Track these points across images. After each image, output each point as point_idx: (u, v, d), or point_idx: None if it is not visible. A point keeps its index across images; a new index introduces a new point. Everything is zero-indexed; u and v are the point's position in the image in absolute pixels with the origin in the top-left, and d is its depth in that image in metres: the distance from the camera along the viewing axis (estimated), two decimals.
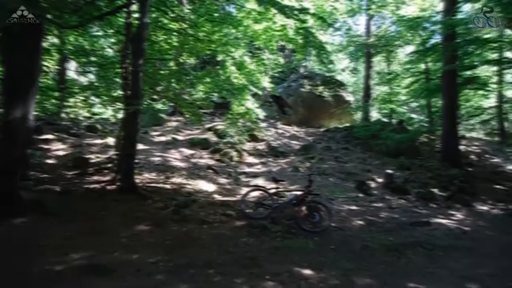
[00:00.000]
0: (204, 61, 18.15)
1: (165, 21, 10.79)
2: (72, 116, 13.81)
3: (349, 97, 25.27)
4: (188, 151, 14.37)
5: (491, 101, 24.13)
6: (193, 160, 13.48)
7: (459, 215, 11.00)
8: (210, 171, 12.39)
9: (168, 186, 10.30)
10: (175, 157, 13.43)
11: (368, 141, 18.24)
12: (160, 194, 9.50)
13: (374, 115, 26.62)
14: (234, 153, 14.38)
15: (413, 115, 27.48)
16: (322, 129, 21.71)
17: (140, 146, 12.19)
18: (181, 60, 11.94)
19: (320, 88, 23.18)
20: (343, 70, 34.92)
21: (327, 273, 6.12)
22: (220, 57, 11.81)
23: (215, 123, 17.58)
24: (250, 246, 7.15)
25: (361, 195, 11.84)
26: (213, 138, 15.99)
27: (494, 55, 20.80)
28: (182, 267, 5.87)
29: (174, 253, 6.42)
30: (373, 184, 12.96)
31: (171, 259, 6.14)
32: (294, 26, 10.51)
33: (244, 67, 11.75)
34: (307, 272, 6.10)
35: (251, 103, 12.25)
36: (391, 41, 24.06)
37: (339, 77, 30.68)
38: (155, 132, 16.37)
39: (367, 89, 25.66)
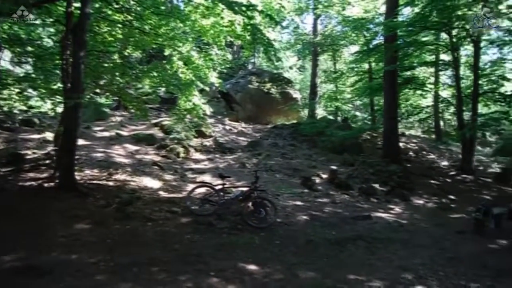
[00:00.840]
0: (151, 55, 17.73)
1: (109, 12, 10.40)
2: (6, 109, 12.98)
3: (296, 95, 25.72)
4: (132, 147, 13.99)
5: (428, 101, 25.50)
6: (138, 156, 13.15)
7: (397, 209, 11.55)
8: (156, 167, 12.14)
9: (111, 183, 9.98)
10: (119, 153, 13.02)
11: (314, 138, 18.67)
12: (102, 191, 9.17)
13: (320, 112, 27.29)
14: (180, 149, 14.19)
15: (357, 113, 28.53)
16: (269, 126, 21.95)
17: (81, 142, 11.72)
18: (126, 53, 11.59)
19: (268, 85, 23.42)
20: (291, 67, 35.47)
21: (272, 267, 6.22)
22: (167, 52, 11.58)
23: (161, 119, 17.25)
24: (195, 242, 7.11)
25: (306, 190, 12.10)
26: (159, 134, 15.68)
27: (431, 57, 21.99)
28: (124, 266, 5.72)
29: (116, 252, 6.24)
30: (318, 180, 13.28)
31: (113, 258, 5.97)
32: (242, 22, 10.52)
33: (192, 62, 11.60)
34: (252, 267, 6.16)
35: (198, 99, 12.13)
36: (337, 40, 24.73)
37: (286, 75, 31.13)
38: (98, 127, 15.78)
39: (314, 86, 26.22)
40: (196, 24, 10.67)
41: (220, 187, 9.05)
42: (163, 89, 14.39)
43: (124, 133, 15.39)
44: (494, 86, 19.12)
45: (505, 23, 18.09)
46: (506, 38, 18.36)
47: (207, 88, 13.46)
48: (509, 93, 19.03)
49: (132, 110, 14.35)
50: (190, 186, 9.76)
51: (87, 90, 11.17)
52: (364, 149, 18.38)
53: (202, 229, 7.78)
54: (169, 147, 14.16)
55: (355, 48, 24.63)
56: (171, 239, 7.14)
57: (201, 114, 12.79)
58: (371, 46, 20.69)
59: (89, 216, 7.68)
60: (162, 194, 9.83)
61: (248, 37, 11.06)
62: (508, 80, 19.85)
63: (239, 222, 8.38)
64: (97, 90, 13.19)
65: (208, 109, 13.06)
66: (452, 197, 13.53)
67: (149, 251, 6.43)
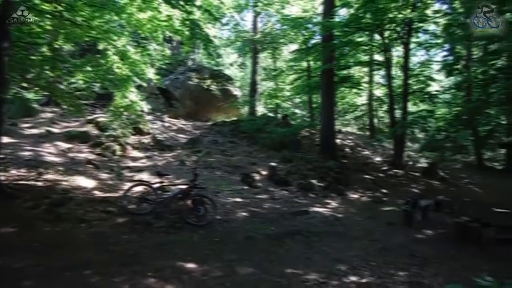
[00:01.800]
0: (84, 49, 16.91)
1: (36, 1, 9.75)
2: None
3: (237, 92, 25.73)
4: (65, 145, 13.27)
5: (363, 99, 26.62)
6: (71, 155, 12.50)
7: (334, 204, 11.94)
8: (90, 166, 11.62)
9: (40, 184, 9.38)
10: (49, 152, 12.29)
11: (254, 135, 18.81)
12: (30, 192, 8.60)
13: (260, 109, 27.54)
14: (117, 147, 13.69)
15: (297, 110, 29.10)
16: (209, 123, 21.79)
17: (6, 140, 10.92)
18: (56, 46, 10.93)
19: (208, 82, 23.21)
20: (231, 64, 35.44)
21: (210, 265, 6.18)
22: (101, 45, 11.08)
23: (96, 115, 16.50)
24: (132, 243, 6.90)
25: (246, 187, 12.16)
26: (94, 131, 14.99)
27: (365, 57, 22.96)
28: (55, 271, 5.43)
29: (45, 256, 5.91)
30: (257, 177, 13.39)
31: (42, 263, 5.64)
32: (180, 17, 10.30)
33: (128, 57, 11.16)
34: (191, 266, 6.10)
35: (135, 95, 11.73)
36: (277, 38, 25.09)
37: (227, 72, 31.06)
38: (26, 124, 14.78)
39: (254, 84, 26.42)
40: (133, 18, 10.28)
41: (158, 185, 8.87)
42: (98, 84, 13.75)
43: (56, 130, 14.55)
44: (422, 86, 20.36)
45: (432, 27, 19.31)
46: (433, 41, 19.63)
47: (144, 84, 13.03)
48: (434, 92, 20.40)
49: (65, 106, 13.61)
50: (127, 185, 9.43)
51: (12, 84, 10.44)
52: (302, 145, 18.79)
53: (139, 229, 7.58)
54: (104, 145, 13.61)
55: (294, 47, 25.11)
56: (106, 240, 6.88)
57: (138, 110, 12.40)
58: (309, 45, 21.22)
59: (15, 218, 7.19)
60: (97, 193, 9.42)
61: (186, 33, 10.85)
62: (434, 80, 21.22)
63: (177, 220, 8.25)
64: (24, 85, 12.36)
65: (145, 106, 12.67)
66: (384, 191, 14.24)
67: (82, 254, 6.15)
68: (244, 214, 9.55)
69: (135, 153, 14.23)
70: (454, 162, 20.91)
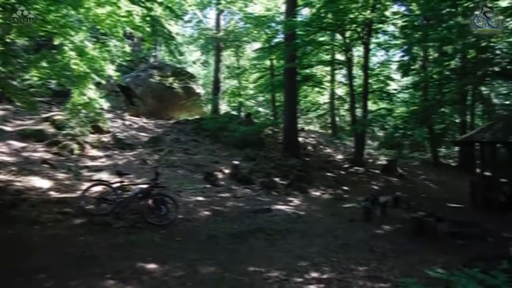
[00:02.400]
0: (39, 44, 16.25)
1: None
2: None
3: (200, 90, 25.52)
4: (18, 144, 12.69)
5: (325, 98, 27.05)
6: (25, 154, 11.97)
7: (296, 201, 12.07)
8: (46, 165, 11.16)
9: None
10: (1, 151, 11.74)
11: (217, 133, 18.70)
12: None
13: (224, 108, 27.44)
14: (75, 146, 13.23)
15: (260, 109, 29.19)
16: (171, 121, 21.48)
17: None
18: (8, 40, 10.43)
19: (170, 79, 22.88)
20: (194, 62, 35.12)
21: (172, 265, 6.10)
22: (57, 41, 10.67)
23: (53, 113, 15.89)
24: (90, 244, 6.70)
25: (208, 186, 12.07)
26: (50, 129, 14.41)
27: (327, 57, 23.34)
28: (5, 276, 5.19)
29: None
30: (220, 175, 13.33)
31: None
32: (140, 13, 10.08)
33: (86, 53, 10.80)
34: (152, 266, 6.00)
35: (94, 92, 11.38)
36: (240, 36, 25.02)
37: (190, 69, 30.74)
38: None
39: (217, 82, 26.28)
40: (91, 13, 9.97)
41: (118, 185, 8.65)
42: (54, 81, 13.23)
43: (8, 129, 13.89)
44: (382, 85, 20.94)
45: (391, 28, 19.87)
46: (392, 42, 20.21)
47: (104, 81, 12.70)
48: (392, 91, 21.03)
49: (18, 103, 13.03)
50: (85, 185, 9.14)
51: None
52: (266, 144, 18.88)
53: (97, 230, 7.37)
54: (61, 144, 13.11)
55: (257, 45, 25.16)
56: (62, 242, 6.64)
57: (97, 108, 12.04)
58: (272, 43, 21.33)
59: None
60: (53, 194, 9.07)
61: (147, 29, 10.62)
62: (393, 80, 21.86)
63: (138, 220, 8.08)
64: None
65: (105, 103, 12.31)
66: (345, 188, 14.53)
67: (36, 257, 5.92)
68: (207, 213, 9.48)
69: (94, 152, 13.81)
70: (411, 160, 21.63)
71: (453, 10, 13.81)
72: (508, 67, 15.25)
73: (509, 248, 5.96)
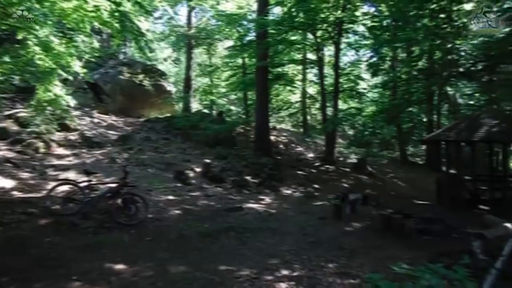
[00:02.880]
0: (1, 38, 15.63)
1: None
2: None
3: (171, 87, 25.23)
4: None
5: (296, 96, 27.25)
6: None
7: (267, 199, 12.11)
8: (9, 165, 10.75)
9: None
10: None
11: (188, 132, 18.53)
12: None
13: (195, 106, 27.23)
14: (40, 144, 12.81)
15: (232, 107, 29.12)
16: (142, 119, 21.13)
17: None
18: None
19: (141, 77, 22.51)
20: (165, 59, 34.65)
21: (141, 265, 6.00)
22: (20, 35, 10.29)
23: (16, 110, 15.34)
24: (55, 245, 6.51)
25: (179, 185, 11.96)
26: (13, 127, 13.89)
27: (299, 56, 23.51)
28: None
29: None
30: (191, 174, 13.22)
31: None
32: (109, 9, 9.86)
33: (51, 48, 10.48)
34: (120, 267, 5.88)
35: (60, 89, 11.06)
36: (212, 34, 24.87)
37: (161, 67, 30.33)
38: None
39: (188, 80, 26.05)
40: (56, 6, 9.67)
41: (85, 184, 8.43)
42: (18, 77, 12.78)
43: None
44: (352, 84, 21.28)
45: (361, 28, 20.21)
46: (362, 42, 20.56)
47: (71, 78, 12.34)
48: (362, 91, 21.42)
49: None
50: (51, 184, 8.87)
51: None
52: (237, 142, 18.86)
53: (64, 231, 7.17)
54: (26, 142, 12.67)
55: (229, 43, 25.08)
56: (27, 243, 6.42)
57: (64, 105, 11.72)
58: (244, 42, 21.31)
59: None
60: (17, 194, 8.76)
61: (116, 25, 10.40)
62: (363, 79, 22.25)
63: (106, 220, 7.92)
64: None
65: (72, 100, 11.99)
66: (316, 186, 14.69)
67: None
68: (177, 212, 9.39)
69: (61, 151, 13.43)
70: (380, 158, 22.08)
71: (419, 12, 14.17)
72: (472, 68, 15.78)
73: (471, 244, 6.16)
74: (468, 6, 13.88)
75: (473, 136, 11.89)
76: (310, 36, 20.56)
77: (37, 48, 9.94)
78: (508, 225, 6.14)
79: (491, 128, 11.80)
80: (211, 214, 9.53)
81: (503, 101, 17.50)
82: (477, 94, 20.45)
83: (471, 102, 21.76)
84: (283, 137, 22.81)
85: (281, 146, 20.72)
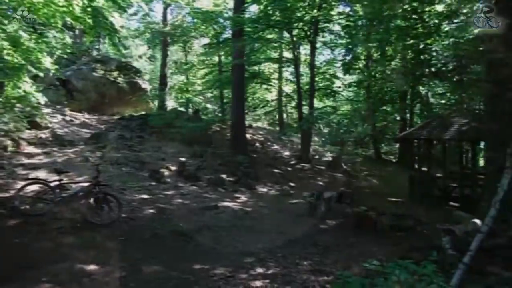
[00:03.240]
0: None
1: None
2: None
3: (146, 85, 24.92)
4: None
5: (273, 95, 27.33)
6: None
7: (243, 198, 12.10)
8: None
9: None
10: None
11: (163, 130, 18.33)
12: None
13: (171, 104, 26.97)
14: (8, 142, 12.41)
15: (208, 105, 28.99)
16: (116, 117, 20.79)
17: None
18: None
19: (115, 74, 22.14)
20: (140, 56, 34.18)
21: (114, 265, 5.90)
22: None
23: None
24: (24, 247, 6.31)
25: (154, 183, 11.81)
26: None
27: (275, 54, 23.58)
28: None
29: None
30: (166, 173, 13.09)
31: None
32: (81, 4, 9.64)
33: (21, 43, 10.19)
34: (92, 267, 5.77)
35: (29, 86, 10.76)
36: (187, 31, 24.66)
37: (136, 64, 29.90)
38: None
39: (164, 77, 25.77)
40: (25, 0, 9.39)
41: (56, 183, 8.21)
42: None
43: None
44: (327, 83, 21.49)
45: (336, 27, 20.40)
46: (337, 41, 20.77)
47: (41, 74, 12.02)
48: (336, 89, 21.66)
49: None
50: (20, 184, 8.61)
51: None
52: (213, 140, 18.76)
53: (33, 231, 6.96)
54: None
55: (205, 41, 24.93)
56: None
57: (34, 102, 11.40)
58: (220, 39, 21.23)
59: None
60: None
61: (89, 21, 10.19)
62: (338, 78, 22.49)
63: (78, 220, 7.73)
64: None
65: (42, 98, 11.67)
66: (292, 184, 14.76)
67: None
68: (151, 211, 9.25)
69: (31, 149, 13.07)
70: (355, 156, 22.37)
71: (392, 13, 14.42)
72: (443, 68, 16.16)
73: (441, 239, 6.31)
74: (439, 7, 14.19)
75: (444, 134, 12.19)
76: (286, 34, 20.65)
77: (5, 43, 9.63)
78: (476, 221, 6.31)
79: (461, 127, 12.12)
80: (186, 213, 9.45)
81: (472, 100, 17.98)
82: (448, 94, 20.94)
83: (443, 101, 22.28)
84: (259, 135, 22.83)
85: (257, 144, 20.73)
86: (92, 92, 21.20)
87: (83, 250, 6.45)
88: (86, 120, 18.95)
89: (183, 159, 13.93)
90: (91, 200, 8.13)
